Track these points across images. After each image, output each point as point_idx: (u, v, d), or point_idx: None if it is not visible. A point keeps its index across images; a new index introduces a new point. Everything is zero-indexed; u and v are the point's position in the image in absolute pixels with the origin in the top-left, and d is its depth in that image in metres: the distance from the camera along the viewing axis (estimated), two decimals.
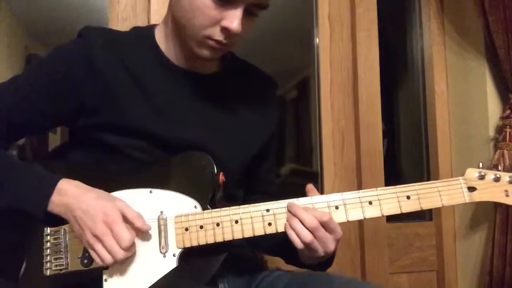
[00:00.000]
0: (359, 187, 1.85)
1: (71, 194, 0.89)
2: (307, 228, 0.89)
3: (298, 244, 0.89)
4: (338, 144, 1.88)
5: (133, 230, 0.88)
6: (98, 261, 0.87)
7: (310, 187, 0.96)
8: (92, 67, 0.96)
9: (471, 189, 0.95)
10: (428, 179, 2.01)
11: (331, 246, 0.91)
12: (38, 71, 1.00)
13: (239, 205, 0.93)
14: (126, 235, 0.86)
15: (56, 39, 1.66)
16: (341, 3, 1.92)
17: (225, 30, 0.91)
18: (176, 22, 0.96)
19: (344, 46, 1.91)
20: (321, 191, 1.86)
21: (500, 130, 1.77)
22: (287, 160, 2.04)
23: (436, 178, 1.97)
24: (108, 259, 0.86)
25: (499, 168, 1.67)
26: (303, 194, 0.96)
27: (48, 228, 0.94)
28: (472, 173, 0.96)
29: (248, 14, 0.92)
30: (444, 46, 2.02)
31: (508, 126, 1.73)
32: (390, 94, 2.05)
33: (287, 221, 0.91)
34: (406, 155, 2.15)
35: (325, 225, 0.89)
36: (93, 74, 0.96)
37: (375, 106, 1.88)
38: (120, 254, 0.86)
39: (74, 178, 0.93)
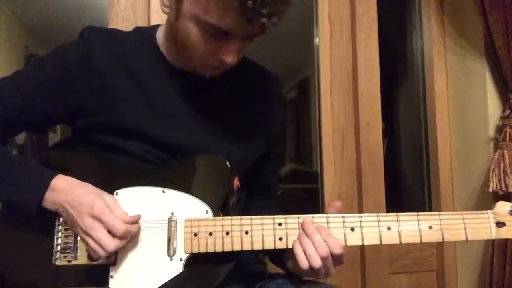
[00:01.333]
0: (359, 187, 1.85)
1: (62, 191, 0.90)
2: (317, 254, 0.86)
3: (305, 265, 0.86)
4: (338, 144, 1.87)
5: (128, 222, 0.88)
6: (92, 254, 0.89)
7: (334, 205, 0.93)
8: (91, 67, 0.95)
9: (500, 224, 0.89)
10: (428, 179, 2.01)
11: (332, 272, 0.89)
12: (38, 69, 0.99)
13: (242, 208, 0.92)
14: (117, 223, 0.86)
15: (56, 39, 1.66)
16: (341, 3, 1.92)
17: (221, 61, 0.90)
18: (177, 41, 0.93)
19: (344, 46, 1.91)
20: (321, 191, 1.86)
21: (500, 130, 1.77)
22: (287, 160, 2.04)
23: (437, 178, 1.97)
24: (99, 251, 0.86)
25: (500, 169, 1.68)
26: (302, 198, 0.94)
27: (61, 219, 0.94)
28: (502, 207, 0.90)
29: (244, 39, 0.89)
30: (444, 46, 2.02)
31: (508, 126, 1.73)
32: (390, 94, 2.05)
33: (298, 238, 0.88)
34: (406, 155, 2.15)
35: (334, 257, 0.87)
36: (91, 74, 0.95)
37: (375, 106, 1.88)
38: (111, 245, 0.85)
39: (85, 170, 0.95)
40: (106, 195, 0.91)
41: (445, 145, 1.98)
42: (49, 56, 1.00)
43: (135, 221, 0.89)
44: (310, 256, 0.86)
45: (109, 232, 0.86)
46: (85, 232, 0.87)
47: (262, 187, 1.16)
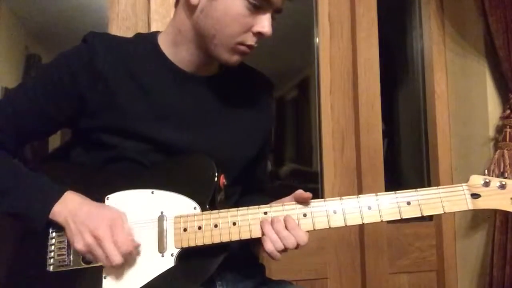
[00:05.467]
0: (359, 187, 1.85)
1: (76, 203, 0.93)
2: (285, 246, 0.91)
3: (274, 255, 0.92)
4: (338, 144, 1.88)
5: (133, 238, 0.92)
6: (95, 262, 0.91)
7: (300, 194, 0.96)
8: (94, 70, 0.98)
9: (475, 196, 0.93)
10: (428, 179, 2.01)
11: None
12: (43, 75, 1.03)
13: (235, 202, 0.95)
14: (125, 240, 0.90)
15: (56, 38, 1.66)
16: (341, 3, 1.92)
17: (258, 35, 0.96)
18: (201, 31, 0.98)
19: (344, 46, 1.91)
20: (321, 191, 1.86)
21: (500, 130, 1.77)
22: (287, 160, 2.04)
23: (436, 178, 1.97)
24: (106, 263, 0.89)
25: (500, 169, 1.68)
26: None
27: (54, 227, 0.96)
28: (476, 179, 0.94)
29: (273, 14, 0.98)
30: (444, 46, 2.02)
31: (508, 126, 1.73)
32: (390, 94, 2.05)
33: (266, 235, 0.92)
34: (406, 155, 2.15)
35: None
36: (95, 77, 0.98)
37: (375, 106, 1.88)
38: (118, 259, 0.88)
39: (77, 179, 0.98)
40: (120, 211, 0.94)
41: (445, 145, 1.99)
42: (53, 62, 1.03)
43: (136, 246, 0.92)
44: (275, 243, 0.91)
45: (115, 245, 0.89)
46: (97, 238, 0.88)
47: (253, 184, 1.20)
